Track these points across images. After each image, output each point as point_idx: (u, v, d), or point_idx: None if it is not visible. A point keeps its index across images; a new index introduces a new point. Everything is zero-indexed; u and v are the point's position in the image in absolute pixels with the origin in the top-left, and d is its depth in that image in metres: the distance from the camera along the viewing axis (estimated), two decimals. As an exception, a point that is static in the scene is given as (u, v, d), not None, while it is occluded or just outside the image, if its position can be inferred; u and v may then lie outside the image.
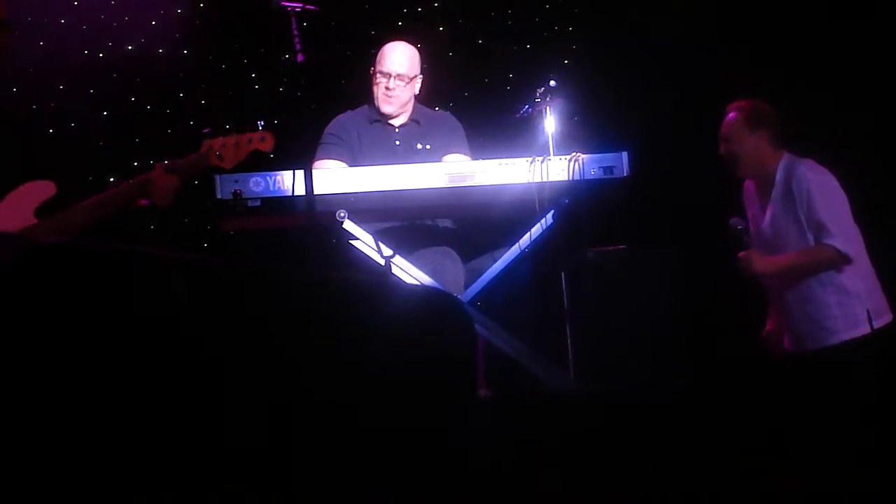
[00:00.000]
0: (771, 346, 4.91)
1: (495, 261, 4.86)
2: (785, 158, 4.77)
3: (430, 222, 5.04)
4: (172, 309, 2.13)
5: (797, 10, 6.02)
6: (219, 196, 4.52)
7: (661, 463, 3.64)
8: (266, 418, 2.20)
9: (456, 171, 4.67)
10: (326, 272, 4.13)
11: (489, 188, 4.67)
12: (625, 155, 4.75)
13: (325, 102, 5.43)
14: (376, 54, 5.14)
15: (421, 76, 5.15)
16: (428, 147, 5.12)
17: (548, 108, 4.85)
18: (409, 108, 5.17)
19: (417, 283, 4.65)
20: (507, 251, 4.85)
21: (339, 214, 4.56)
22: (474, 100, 6.36)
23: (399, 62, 5.07)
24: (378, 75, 5.09)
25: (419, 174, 4.64)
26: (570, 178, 4.68)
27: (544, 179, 4.66)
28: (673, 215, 6.01)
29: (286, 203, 4.57)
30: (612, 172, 4.72)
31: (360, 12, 6.36)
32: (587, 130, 5.48)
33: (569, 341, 4.79)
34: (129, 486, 2.04)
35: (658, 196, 5.91)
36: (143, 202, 4.05)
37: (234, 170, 4.29)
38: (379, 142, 5.10)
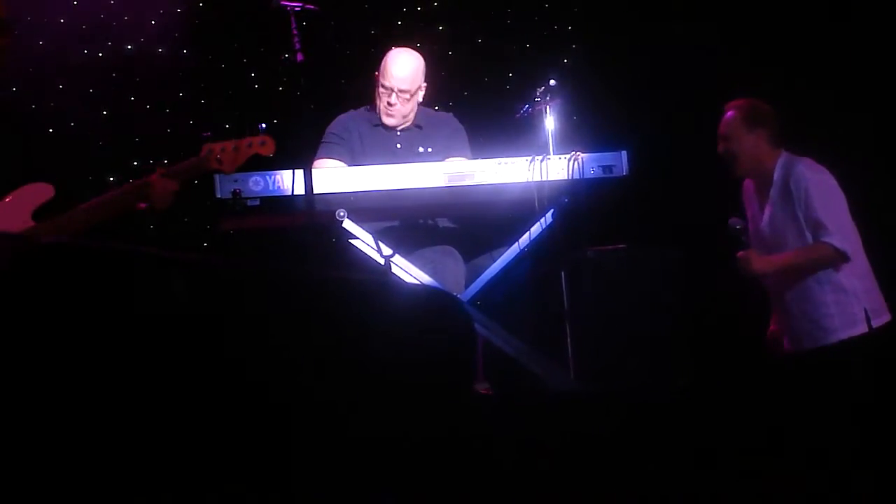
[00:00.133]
0: (774, 346, 4.91)
1: (495, 260, 4.86)
2: (783, 157, 4.77)
3: (429, 221, 5.04)
4: (172, 309, 2.13)
5: (797, 10, 6.01)
6: (218, 195, 4.52)
7: (660, 463, 3.64)
8: (266, 418, 2.20)
9: (455, 170, 4.67)
10: (326, 272, 4.13)
11: (489, 187, 4.67)
12: (624, 154, 4.75)
13: (325, 102, 5.43)
14: (381, 60, 5.08)
15: (425, 84, 5.12)
16: (429, 150, 5.10)
17: (547, 107, 4.86)
18: (412, 116, 5.14)
19: (417, 282, 4.65)
20: (506, 250, 4.85)
21: (338, 214, 4.56)
22: (474, 99, 6.36)
23: (401, 77, 5.02)
24: (381, 87, 5.06)
25: (419, 173, 4.64)
26: (570, 178, 4.68)
27: (544, 178, 4.66)
28: (672, 214, 6.01)
29: (286, 202, 4.57)
30: (611, 171, 4.73)
31: (359, 12, 6.35)
32: (586, 129, 5.48)
33: (568, 340, 4.79)
34: (129, 486, 2.04)
35: (657, 195, 5.91)
36: (142, 206, 4.05)
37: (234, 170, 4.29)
38: (380, 145, 5.09)
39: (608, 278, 5.03)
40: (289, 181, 4.54)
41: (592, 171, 4.71)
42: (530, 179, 4.66)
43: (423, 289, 4.23)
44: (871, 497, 3.79)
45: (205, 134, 4.17)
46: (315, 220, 4.59)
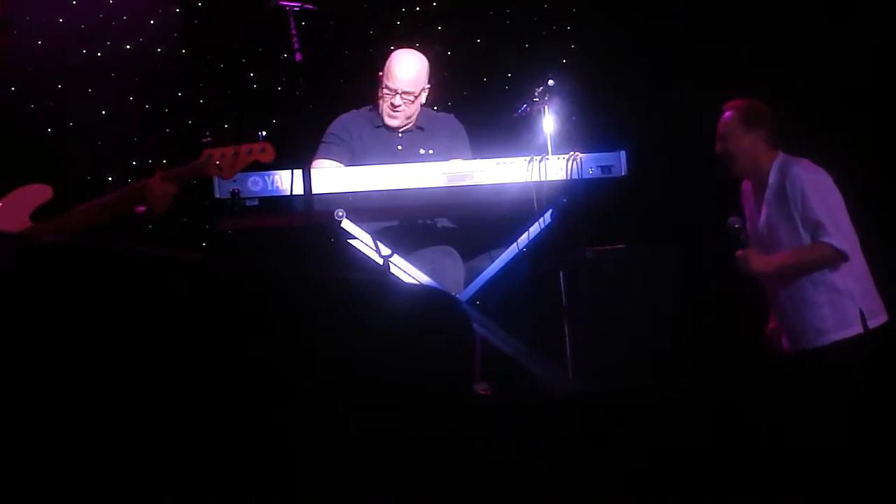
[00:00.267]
0: (773, 344, 4.91)
1: (493, 260, 4.86)
2: (779, 158, 4.76)
3: (428, 221, 5.04)
4: (170, 308, 2.13)
5: (797, 10, 6.01)
6: (217, 195, 4.52)
7: (658, 462, 3.64)
8: (264, 418, 2.20)
9: (454, 170, 4.67)
10: (325, 272, 4.13)
11: (487, 187, 4.67)
12: (623, 154, 4.75)
13: (324, 102, 5.42)
14: (385, 61, 5.08)
15: (428, 86, 5.12)
16: (431, 152, 5.10)
17: (546, 107, 4.85)
18: (414, 117, 5.14)
19: (416, 282, 4.65)
20: (505, 250, 4.85)
21: (337, 214, 4.56)
22: (473, 99, 6.36)
23: (406, 79, 5.02)
24: (385, 88, 5.06)
25: (417, 173, 4.64)
26: (569, 178, 4.68)
27: (542, 178, 4.66)
28: (671, 214, 6.01)
29: (284, 202, 4.57)
30: (610, 171, 4.73)
31: (358, 12, 6.35)
32: (585, 130, 5.47)
33: (567, 340, 4.79)
34: (127, 487, 2.04)
35: (656, 195, 5.91)
36: (140, 209, 4.04)
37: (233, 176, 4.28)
38: (381, 146, 5.09)
39: (607, 278, 5.03)
40: (287, 181, 4.54)
41: (591, 172, 4.71)
42: (529, 179, 4.66)
43: (421, 289, 4.24)
44: (868, 497, 3.79)
45: (205, 138, 4.16)
46: (314, 220, 4.59)
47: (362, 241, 4.66)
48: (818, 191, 4.66)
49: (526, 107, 4.92)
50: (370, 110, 5.17)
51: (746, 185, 4.97)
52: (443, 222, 5.07)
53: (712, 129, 4.93)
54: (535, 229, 4.79)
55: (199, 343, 2.14)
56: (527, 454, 3.43)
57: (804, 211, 4.63)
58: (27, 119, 5.75)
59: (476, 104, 6.19)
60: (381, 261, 4.65)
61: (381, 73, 5.07)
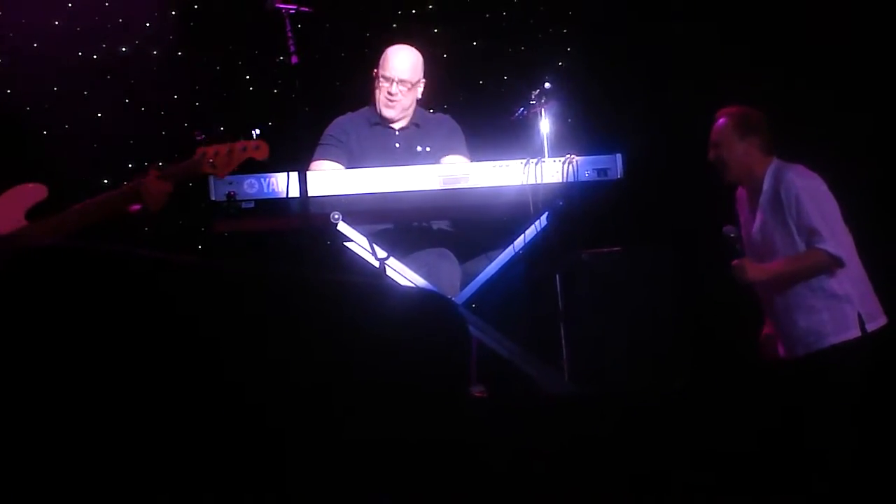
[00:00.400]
0: (767, 350, 4.90)
1: (490, 263, 4.86)
2: (773, 164, 4.75)
3: (424, 224, 5.04)
4: (166, 311, 2.13)
5: (797, 10, 6.01)
6: (213, 198, 4.52)
7: (655, 465, 3.64)
8: (261, 419, 2.20)
9: (450, 173, 4.67)
10: (321, 274, 4.13)
11: (484, 190, 4.68)
12: (619, 157, 4.75)
13: (320, 104, 5.42)
14: (379, 56, 5.11)
15: (424, 80, 5.13)
16: (428, 149, 5.11)
17: (542, 110, 4.86)
18: (411, 112, 5.16)
19: (412, 285, 4.64)
20: (501, 253, 4.85)
21: (333, 216, 4.56)
22: (469, 102, 6.36)
23: (402, 68, 5.05)
24: (381, 79, 5.07)
25: (414, 176, 4.64)
26: (565, 180, 4.69)
27: (539, 181, 4.67)
28: (667, 217, 6.01)
29: (280, 205, 4.57)
30: (606, 174, 4.73)
31: (354, 14, 6.35)
32: (581, 132, 5.48)
33: (563, 343, 4.79)
34: (125, 487, 2.04)
35: (652, 198, 5.91)
36: (136, 207, 4.04)
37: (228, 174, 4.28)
38: (379, 144, 5.10)
39: (603, 281, 5.03)
40: (283, 184, 4.54)
41: (587, 174, 4.72)
42: (525, 182, 4.66)
43: (417, 291, 4.23)
44: (866, 497, 3.79)
45: (198, 136, 4.16)
46: (310, 222, 4.59)
47: (358, 243, 4.66)
48: (813, 197, 4.66)
49: (523, 110, 4.92)
50: (366, 110, 5.18)
51: (741, 192, 4.97)
52: (439, 225, 5.08)
53: (708, 132, 4.93)
54: (531, 232, 4.79)
55: (195, 345, 2.14)
56: (523, 456, 3.44)
57: (799, 217, 4.62)
58: (23, 121, 5.75)
59: (472, 107, 6.20)
60: (377, 263, 4.65)
61: (376, 70, 5.09)
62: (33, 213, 3.95)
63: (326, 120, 5.19)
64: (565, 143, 4.87)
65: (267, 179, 4.55)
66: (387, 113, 5.09)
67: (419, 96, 5.15)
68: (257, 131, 4.19)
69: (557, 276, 4.85)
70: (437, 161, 5.05)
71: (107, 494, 2.02)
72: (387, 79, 5.05)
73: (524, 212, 4.71)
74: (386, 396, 2.32)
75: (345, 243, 4.70)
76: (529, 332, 4.95)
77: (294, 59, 4.80)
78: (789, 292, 4.69)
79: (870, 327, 4.60)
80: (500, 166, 4.68)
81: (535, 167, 4.67)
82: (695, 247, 5.48)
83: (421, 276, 4.69)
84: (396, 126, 5.15)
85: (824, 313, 4.63)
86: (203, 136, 4.14)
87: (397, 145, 5.12)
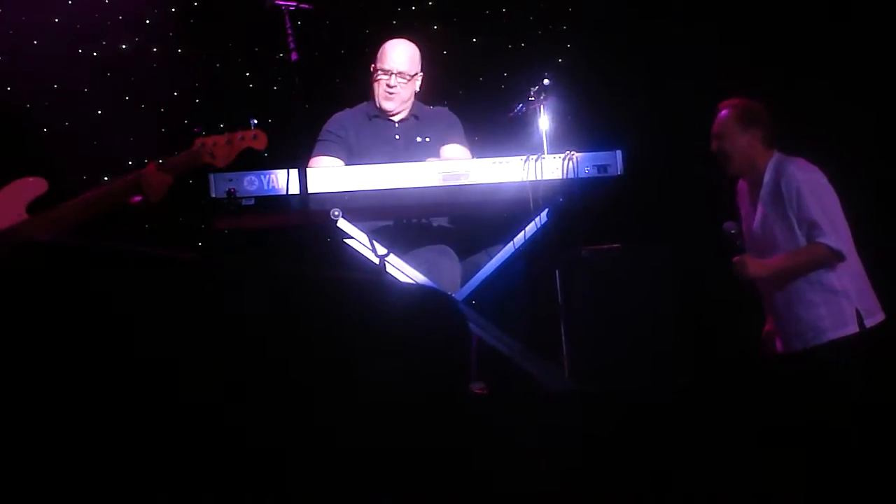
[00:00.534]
0: (768, 347, 4.91)
1: (490, 259, 4.86)
2: (775, 157, 4.76)
3: (424, 221, 5.04)
4: (166, 308, 2.13)
5: (797, 9, 6.01)
6: (213, 195, 4.52)
7: (656, 462, 3.64)
8: (260, 418, 2.20)
9: (450, 169, 4.67)
10: (321, 271, 4.13)
11: (484, 187, 4.67)
12: (619, 153, 4.75)
13: (320, 101, 5.43)
14: (377, 51, 5.13)
15: (421, 74, 5.15)
16: (427, 140, 5.12)
17: (542, 106, 4.86)
18: (409, 104, 5.17)
19: (412, 281, 4.65)
20: (501, 249, 4.85)
21: (333, 213, 4.56)
22: (469, 98, 6.36)
23: (400, 60, 5.07)
24: (379, 72, 5.08)
25: (414, 173, 4.64)
26: (565, 177, 4.68)
27: (538, 178, 4.66)
28: (667, 213, 6.01)
29: (280, 202, 4.57)
30: (606, 171, 4.73)
31: (354, 11, 6.35)
32: (581, 129, 5.48)
33: (563, 339, 4.79)
34: (123, 487, 2.04)
35: (652, 194, 5.91)
36: (136, 199, 4.06)
37: (229, 168, 4.29)
38: (379, 136, 5.11)
39: (603, 277, 5.03)
40: (283, 180, 4.54)
41: (587, 171, 4.71)
42: (525, 179, 4.66)
43: (417, 288, 4.23)
44: (865, 495, 3.79)
45: (196, 129, 4.17)
46: (310, 219, 4.59)
47: (358, 240, 4.66)
48: (813, 190, 4.66)
49: (522, 107, 4.92)
50: (364, 105, 5.19)
51: (741, 185, 4.97)
52: (439, 222, 5.08)
53: (708, 128, 4.93)
54: (531, 228, 4.79)
55: (195, 342, 2.14)
56: (522, 454, 3.43)
57: (800, 210, 4.63)
58: (23, 118, 5.75)
59: (472, 103, 6.20)
60: (377, 260, 4.65)
61: (374, 64, 5.10)
62: (34, 207, 3.96)
63: (326, 117, 5.20)
64: (565, 139, 4.87)
65: (267, 176, 4.54)
66: (386, 105, 5.10)
67: (417, 89, 5.17)
68: (255, 121, 4.20)
69: (557, 273, 4.85)
70: (436, 151, 5.06)
71: (107, 494, 2.02)
72: (385, 71, 5.06)
73: (524, 208, 4.71)
74: (386, 393, 2.32)
75: (345, 240, 4.70)
76: (529, 328, 4.95)
77: (294, 56, 4.81)
78: (789, 286, 4.69)
79: (868, 323, 4.60)
80: (500, 163, 4.67)
81: (535, 164, 4.67)
82: (695, 243, 5.48)
83: (421, 272, 4.69)
84: (396, 118, 5.16)
85: (822, 308, 4.63)
86: (203, 131, 4.16)
87: (397, 137, 5.13)
